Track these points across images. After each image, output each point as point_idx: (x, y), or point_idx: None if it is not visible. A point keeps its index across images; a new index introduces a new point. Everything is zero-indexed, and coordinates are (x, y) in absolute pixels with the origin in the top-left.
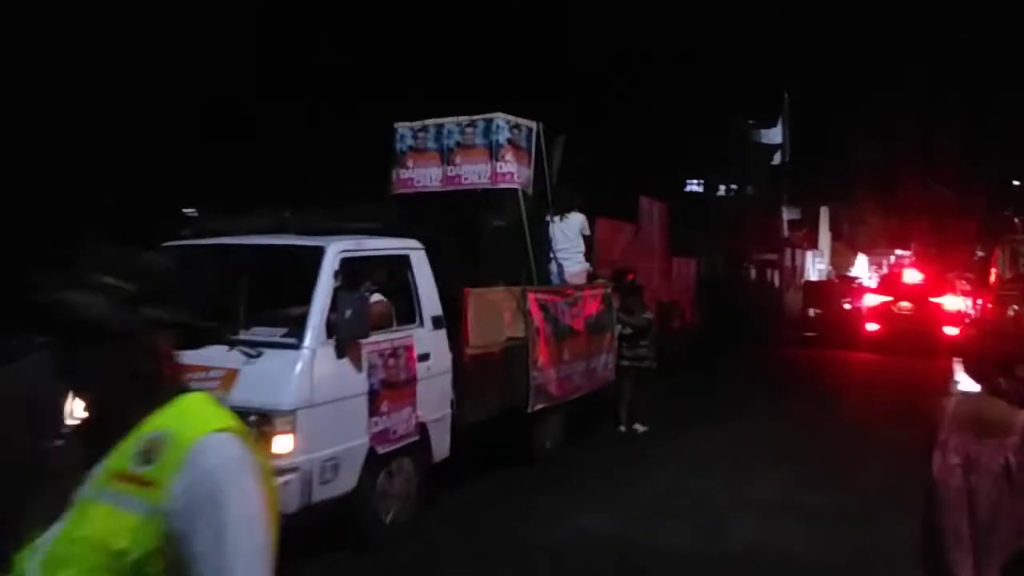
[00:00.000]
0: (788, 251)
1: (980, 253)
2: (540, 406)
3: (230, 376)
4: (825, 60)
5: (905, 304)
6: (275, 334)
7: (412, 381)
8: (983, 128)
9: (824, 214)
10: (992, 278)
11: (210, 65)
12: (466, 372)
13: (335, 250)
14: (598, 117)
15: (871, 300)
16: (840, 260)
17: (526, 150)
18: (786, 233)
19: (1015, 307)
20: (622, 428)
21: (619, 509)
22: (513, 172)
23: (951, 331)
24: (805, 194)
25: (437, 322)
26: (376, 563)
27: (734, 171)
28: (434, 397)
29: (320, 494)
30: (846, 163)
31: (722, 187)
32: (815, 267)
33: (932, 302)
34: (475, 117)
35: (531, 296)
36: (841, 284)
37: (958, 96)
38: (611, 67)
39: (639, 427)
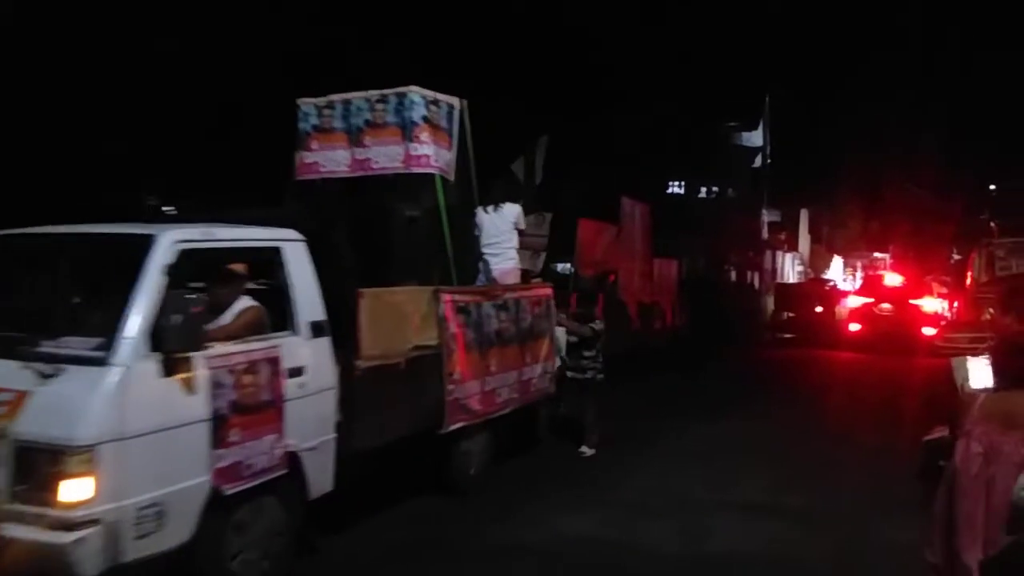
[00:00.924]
0: (768, 253)
1: (957, 256)
2: (458, 425)
3: (19, 400)
4: (806, 64)
5: (886, 306)
6: (85, 346)
7: (278, 402)
8: (961, 132)
9: (804, 217)
10: (968, 281)
11: (207, 64)
12: (357, 388)
13: (168, 240)
14: (581, 119)
15: (854, 301)
16: (819, 262)
17: (446, 130)
18: (766, 235)
19: (990, 310)
20: (585, 450)
21: (600, 511)
22: (430, 155)
23: (929, 331)
24: (786, 197)
25: (317, 329)
26: None
27: (715, 173)
28: (310, 420)
29: (136, 551)
30: (826, 166)
31: (703, 189)
32: (794, 269)
33: (911, 304)
34: (386, 91)
35: (446, 298)
36: (813, 286)
37: (938, 100)
38: (594, 70)
39: (586, 450)
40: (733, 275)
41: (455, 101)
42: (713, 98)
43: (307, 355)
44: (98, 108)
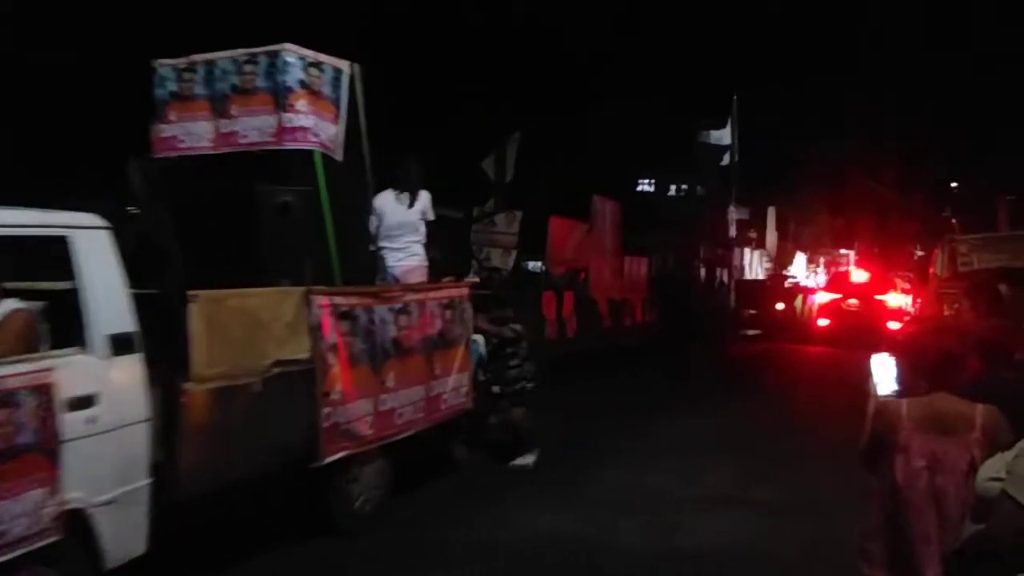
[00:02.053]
0: (737, 250)
1: (920, 252)
2: (340, 454)
3: None
4: (774, 64)
5: (853, 301)
6: None
7: (49, 444)
8: (924, 131)
9: (771, 214)
10: (931, 277)
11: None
12: (186, 418)
13: None
14: (553, 117)
15: (822, 297)
16: (786, 259)
17: (331, 99)
18: (734, 232)
19: (955, 305)
20: (519, 461)
21: (572, 508)
22: (308, 127)
23: (894, 325)
24: (753, 194)
25: (121, 344)
26: None
27: (684, 171)
28: (107, 465)
29: None
30: (793, 164)
31: (673, 187)
32: (762, 266)
33: (877, 299)
34: (256, 50)
35: (321, 301)
36: (774, 283)
37: (901, 100)
38: (566, 69)
39: (521, 461)
40: (702, 272)
41: (343, 65)
42: (682, 97)
43: (103, 379)
44: None
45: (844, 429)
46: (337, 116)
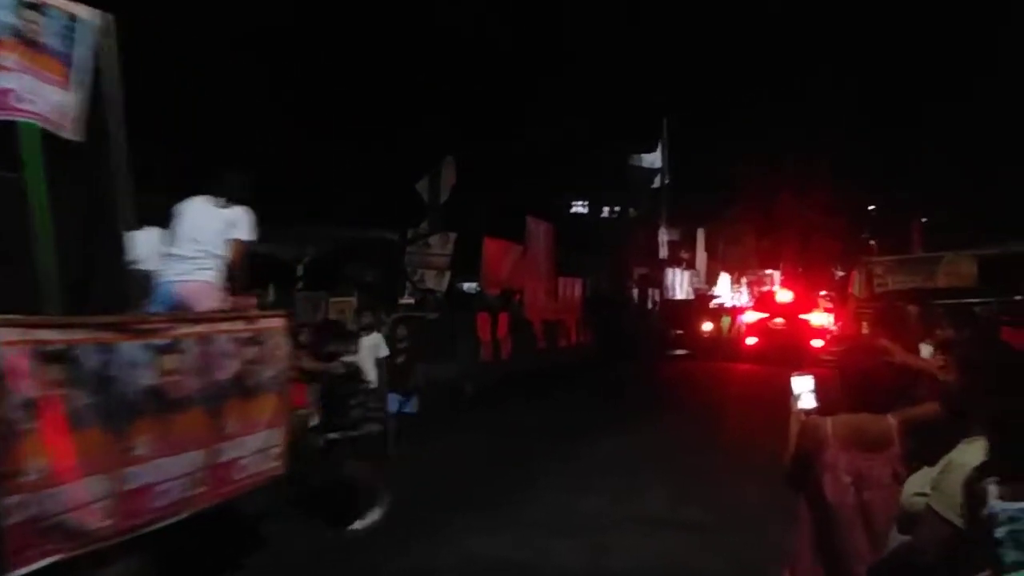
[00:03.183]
0: (668, 271)
1: (841, 273)
2: (44, 561)
3: None
4: (704, 87)
5: (779, 320)
6: None
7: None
8: (846, 155)
9: (701, 235)
10: (850, 297)
11: None
12: None
13: None
14: (486, 140)
15: (750, 316)
16: (716, 279)
17: (58, 55)
18: (665, 254)
19: (867, 325)
20: (359, 525)
21: (506, 530)
22: (12, 89)
23: (817, 344)
24: (684, 215)
25: None
26: None
27: (617, 193)
28: None
29: None
30: (723, 186)
31: (606, 209)
32: (692, 286)
33: (801, 319)
34: None
35: (7, 336)
36: (699, 303)
37: (825, 124)
38: (497, 93)
39: (359, 524)
40: (635, 293)
41: (82, 11)
42: (614, 121)
43: None
44: None
45: (770, 446)
46: (68, 79)
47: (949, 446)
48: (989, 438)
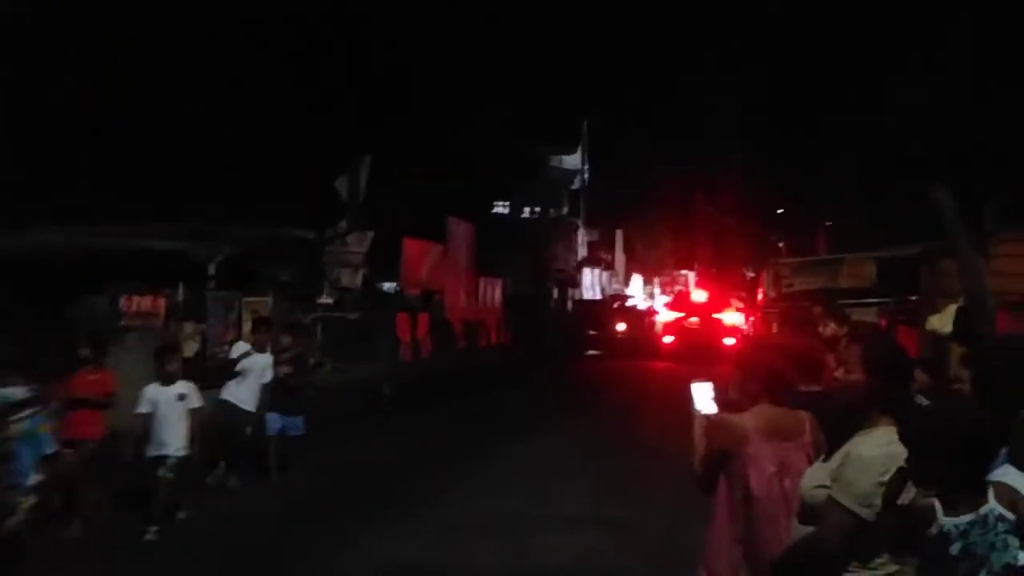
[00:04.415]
0: (587, 271)
1: (751, 274)
2: None
3: None
4: (622, 90)
5: (694, 319)
6: None
7: None
8: (757, 159)
9: (619, 237)
10: (760, 297)
11: None
12: None
13: None
14: (405, 141)
15: (667, 316)
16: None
17: None
18: (584, 254)
19: (776, 324)
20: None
21: (428, 533)
22: None
23: (729, 341)
24: (603, 217)
25: None
26: None
27: (538, 194)
28: None
29: None
30: (641, 189)
31: (527, 209)
32: (611, 287)
33: (714, 318)
34: None
35: None
36: (611, 303)
37: (739, 127)
38: (419, 94)
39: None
40: (555, 293)
41: None
42: (534, 123)
43: None
44: None
45: (683, 442)
46: None
47: (844, 438)
48: (909, 449)
